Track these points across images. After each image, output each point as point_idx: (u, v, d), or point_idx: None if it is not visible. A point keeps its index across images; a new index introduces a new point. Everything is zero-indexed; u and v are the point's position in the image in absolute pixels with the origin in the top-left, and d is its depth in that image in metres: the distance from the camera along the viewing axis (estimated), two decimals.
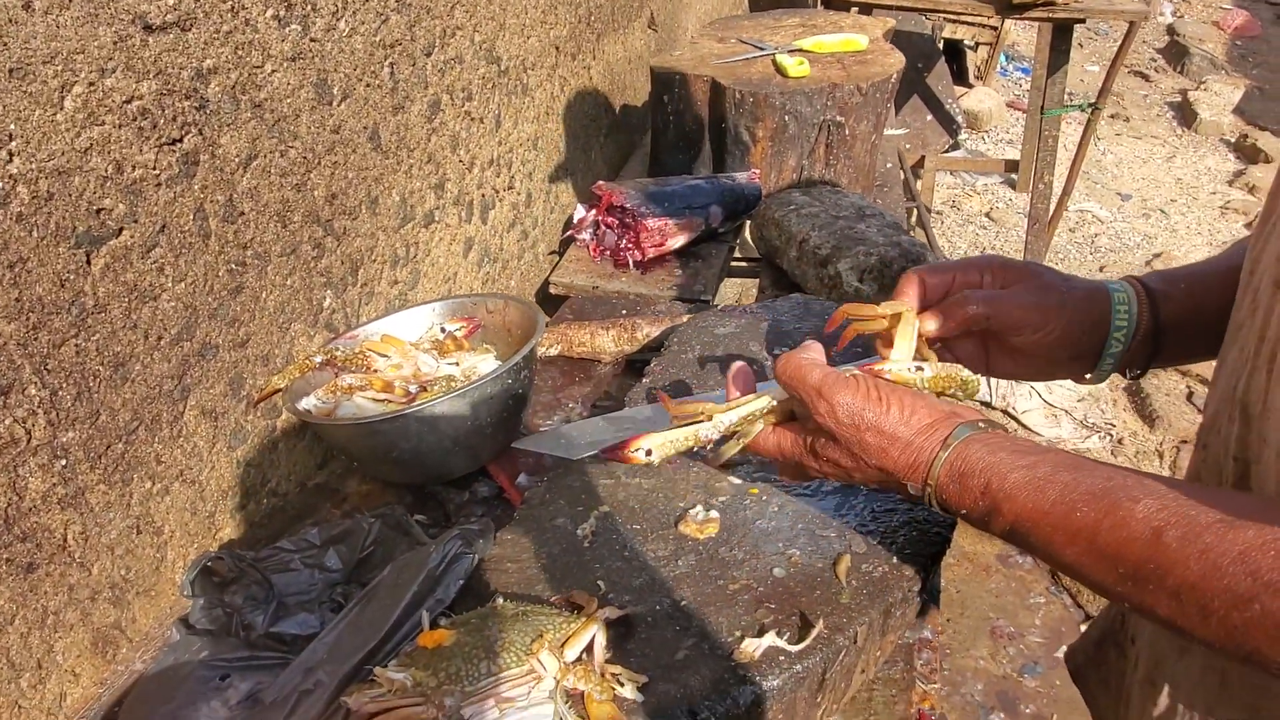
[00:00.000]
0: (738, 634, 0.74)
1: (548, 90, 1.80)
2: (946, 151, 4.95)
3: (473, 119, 1.51)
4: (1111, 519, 0.58)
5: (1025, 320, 0.78)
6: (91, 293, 0.87)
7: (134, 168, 0.90)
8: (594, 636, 0.71)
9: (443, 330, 1.22)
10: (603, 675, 0.69)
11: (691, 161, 1.96)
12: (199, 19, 0.94)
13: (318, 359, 1.12)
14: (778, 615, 0.76)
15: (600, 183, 1.75)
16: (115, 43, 0.85)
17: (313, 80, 1.12)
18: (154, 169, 0.92)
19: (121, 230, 0.89)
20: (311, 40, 1.11)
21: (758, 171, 1.83)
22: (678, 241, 1.70)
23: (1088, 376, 0.84)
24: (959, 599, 2.49)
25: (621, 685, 0.69)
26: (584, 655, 0.71)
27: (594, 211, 1.73)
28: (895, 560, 0.81)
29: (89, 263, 0.86)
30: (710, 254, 1.74)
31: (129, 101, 0.88)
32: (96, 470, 0.91)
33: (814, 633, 0.72)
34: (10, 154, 0.77)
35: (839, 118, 1.80)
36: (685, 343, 1.18)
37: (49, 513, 0.86)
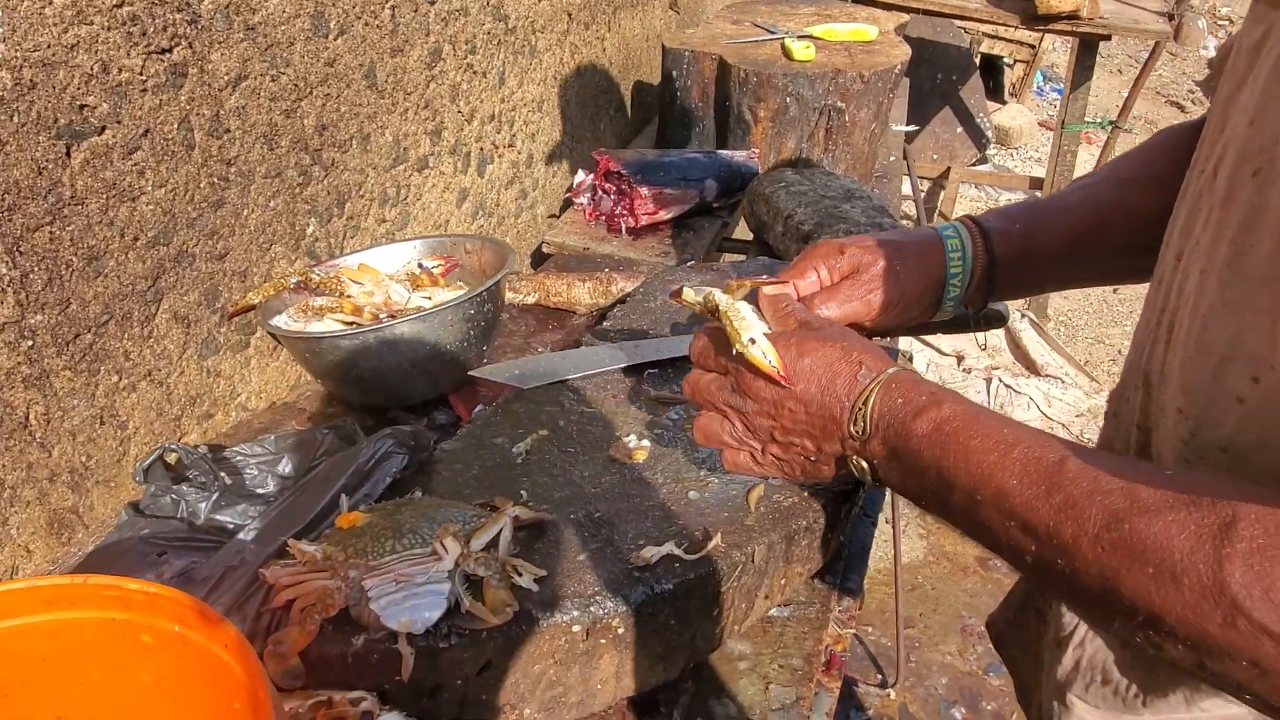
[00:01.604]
0: (641, 543, 0.77)
1: (556, 55, 1.83)
2: (973, 164, 4.94)
3: (475, 72, 1.55)
4: (1032, 439, 0.60)
5: (863, 315, 0.83)
6: (69, 184, 0.91)
7: (120, 70, 0.94)
8: (500, 531, 0.74)
9: (420, 266, 1.26)
10: (503, 565, 0.72)
11: (695, 138, 1.98)
12: None
13: (293, 280, 1.16)
14: (682, 530, 0.79)
15: (602, 149, 1.78)
16: None
17: (310, 11, 1.16)
18: (140, 74, 0.96)
19: (104, 129, 0.94)
20: None
21: (757, 151, 1.86)
22: (671, 212, 1.73)
23: (933, 319, 0.88)
24: (933, 596, 2.50)
25: (520, 575, 0.72)
26: (490, 549, 0.74)
27: (592, 176, 1.76)
28: (806, 494, 0.84)
29: (69, 155, 0.91)
30: (703, 227, 1.77)
31: (119, 6, 0.92)
32: (63, 356, 0.95)
33: (710, 545, 0.75)
34: None
35: (840, 103, 1.82)
36: (650, 293, 1.21)
37: (12, 389, 0.91)
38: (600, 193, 1.76)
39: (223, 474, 0.97)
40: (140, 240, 1.01)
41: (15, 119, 0.85)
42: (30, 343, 0.91)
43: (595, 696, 0.77)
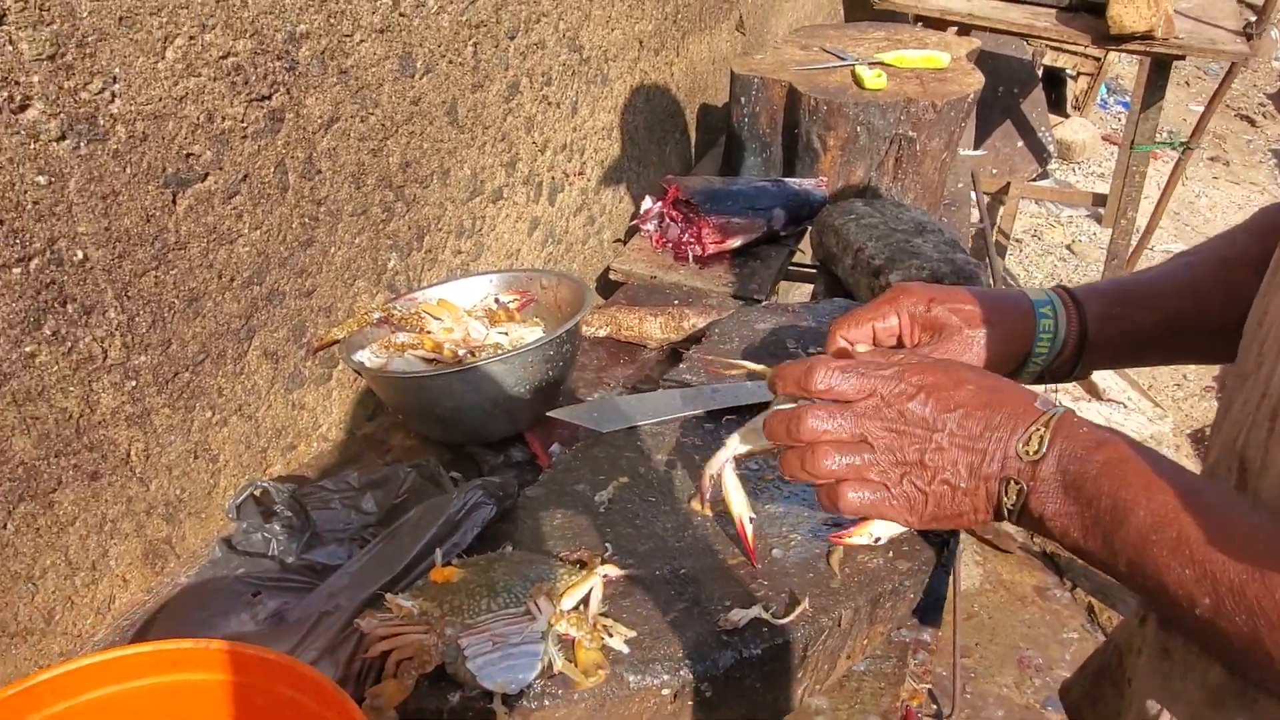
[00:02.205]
0: (728, 603, 0.77)
1: (627, 82, 1.85)
2: (1034, 179, 4.87)
3: (550, 103, 1.57)
4: (1218, 491, 0.61)
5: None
6: (174, 230, 0.95)
7: (224, 119, 0.97)
8: (591, 589, 0.76)
9: (496, 301, 1.28)
10: (594, 625, 0.73)
11: (762, 165, 1.99)
12: None
13: (376, 315, 1.19)
14: (769, 591, 0.79)
15: (669, 176, 1.79)
16: (217, 1, 0.93)
17: (398, 52, 1.19)
18: (242, 121, 0.99)
19: (207, 175, 0.97)
20: (400, 15, 1.18)
21: (825, 180, 1.85)
22: (738, 240, 1.73)
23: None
24: (990, 625, 2.47)
25: (610, 636, 0.73)
26: (580, 606, 0.75)
27: (660, 204, 1.77)
28: (890, 555, 0.84)
29: (174, 202, 0.94)
30: (769, 255, 1.77)
31: (225, 57, 0.95)
32: (163, 394, 0.98)
33: (799, 610, 0.76)
34: (113, 95, 0.85)
35: (911, 133, 1.81)
36: (725, 334, 1.21)
37: (116, 428, 0.94)
38: (668, 220, 1.76)
39: (311, 513, 0.99)
40: (236, 281, 1.04)
41: (128, 170, 0.88)
42: (134, 383, 0.95)
43: None
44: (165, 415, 0.99)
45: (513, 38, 1.42)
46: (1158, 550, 0.59)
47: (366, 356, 1.16)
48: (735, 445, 0.78)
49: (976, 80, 1.91)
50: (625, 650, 0.73)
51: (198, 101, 0.94)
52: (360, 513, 1.05)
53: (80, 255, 0.86)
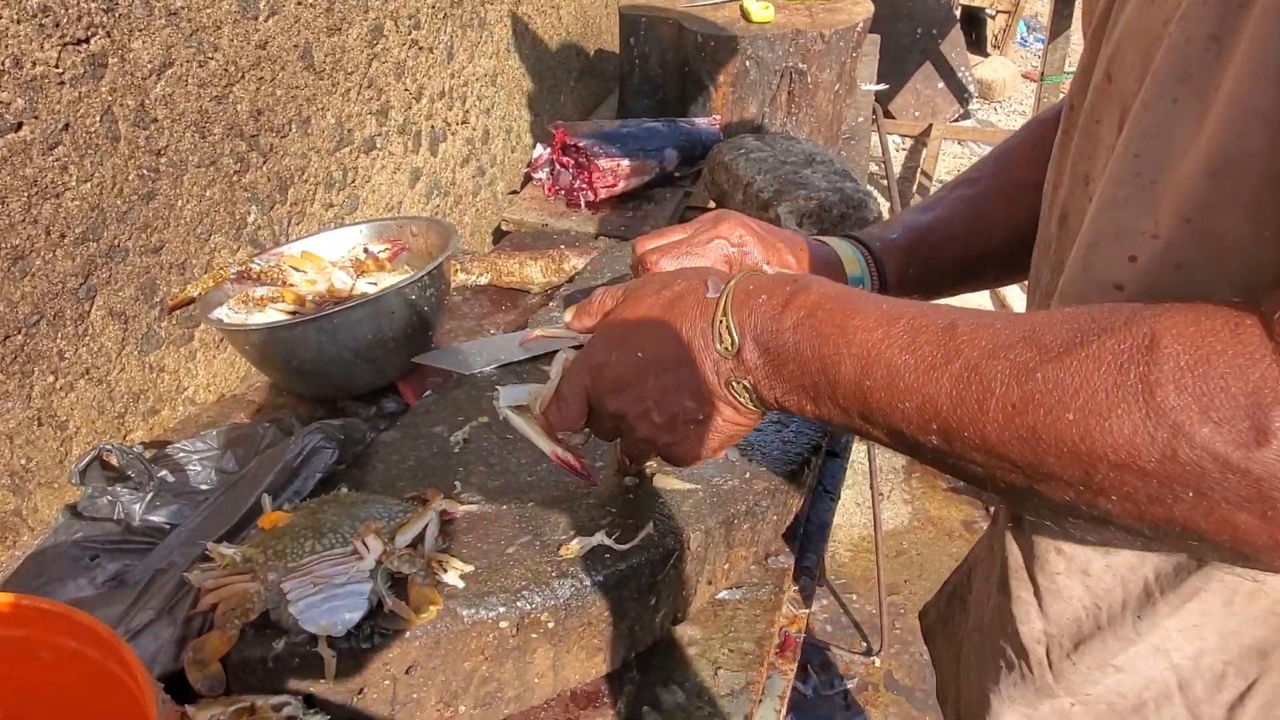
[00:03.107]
0: (571, 534, 0.76)
1: (508, 26, 1.79)
2: (956, 120, 4.90)
3: (421, 48, 1.52)
4: (916, 309, 0.56)
5: None
6: None
7: (34, 64, 0.91)
8: (427, 526, 0.73)
9: (366, 251, 1.24)
10: (429, 562, 0.71)
11: (657, 106, 1.95)
12: None
13: (233, 270, 1.14)
14: (616, 519, 0.77)
15: (558, 121, 1.75)
16: None
17: None
18: (56, 67, 0.94)
19: (20, 125, 0.91)
20: None
21: (718, 118, 1.82)
22: (631, 183, 1.70)
23: None
24: (918, 561, 2.50)
25: (445, 572, 0.71)
26: (416, 544, 0.73)
27: (549, 150, 1.73)
28: (747, 476, 0.83)
29: None
30: (664, 197, 1.75)
31: None
32: None
33: (641, 534, 0.74)
34: None
35: (801, 65, 1.79)
36: (598, 271, 1.19)
37: None
38: (558, 167, 1.73)
39: (163, 473, 0.95)
40: (67, 237, 0.98)
41: None
42: None
43: (533, 690, 0.76)
44: None
45: None
46: (875, 394, 0.55)
47: (224, 314, 1.11)
48: (507, 394, 0.75)
49: (865, 9, 1.89)
50: (460, 585, 0.70)
51: (3, 46, 0.88)
52: (222, 472, 1.01)
53: None
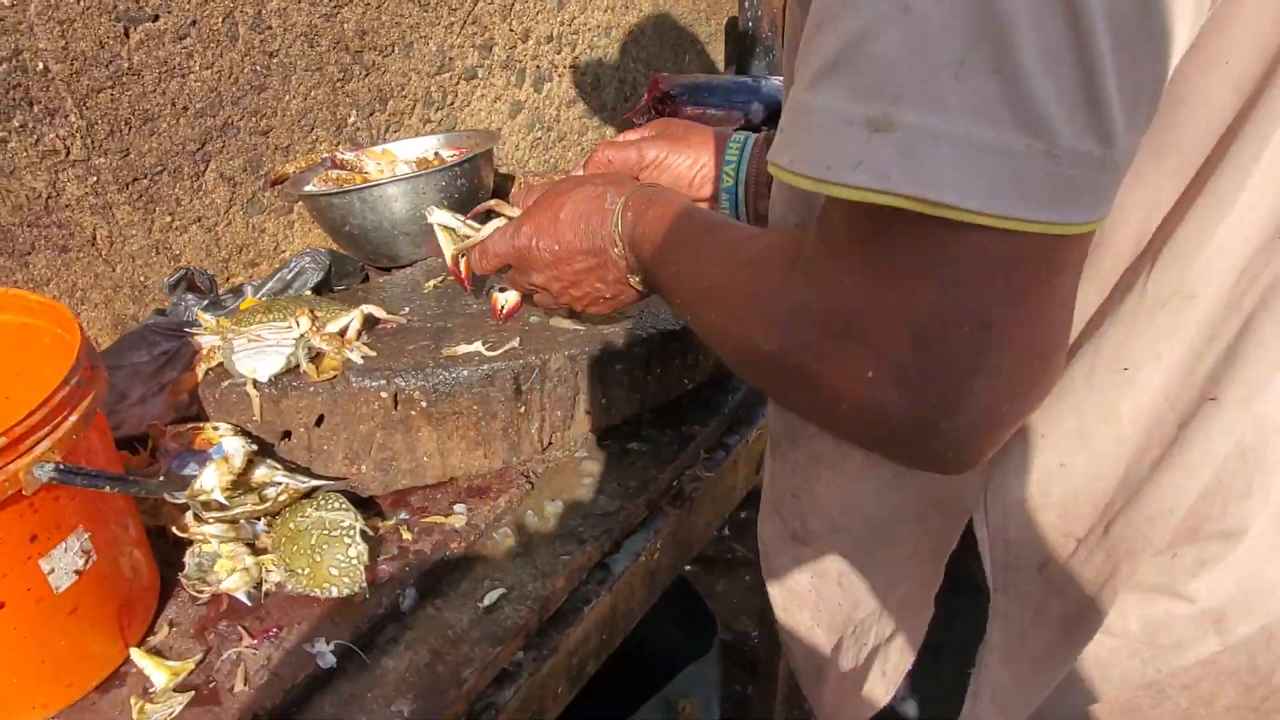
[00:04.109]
0: (459, 342, 0.94)
1: None
2: None
3: None
4: (696, 238, 0.69)
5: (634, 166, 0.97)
6: (127, 58, 1.20)
7: None
8: (352, 321, 0.94)
9: (436, 155, 1.48)
10: (342, 345, 0.92)
11: (766, 69, 2.08)
12: None
13: (323, 156, 1.42)
14: (501, 339, 0.95)
15: (660, 73, 1.93)
16: None
17: None
18: None
19: (157, 17, 1.21)
20: None
21: None
22: None
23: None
24: None
25: (353, 352, 0.91)
26: (342, 334, 0.94)
27: (646, 97, 1.91)
28: (631, 325, 0.98)
29: (127, 35, 1.19)
30: None
31: None
32: (123, 194, 1.24)
33: (506, 347, 0.91)
34: None
35: None
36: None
37: (81, 213, 1.21)
38: (652, 113, 1.90)
39: (220, 290, 1.23)
40: (190, 110, 1.28)
41: (81, 2, 1.13)
42: (95, 179, 1.21)
43: (424, 469, 0.96)
44: (126, 211, 1.25)
45: None
46: (665, 285, 0.69)
47: (309, 189, 1.38)
48: (439, 214, 0.93)
49: None
50: (359, 362, 0.91)
51: None
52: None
53: (41, 66, 1.12)
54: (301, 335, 0.91)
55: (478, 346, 0.92)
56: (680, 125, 0.99)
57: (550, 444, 1.00)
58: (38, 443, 0.68)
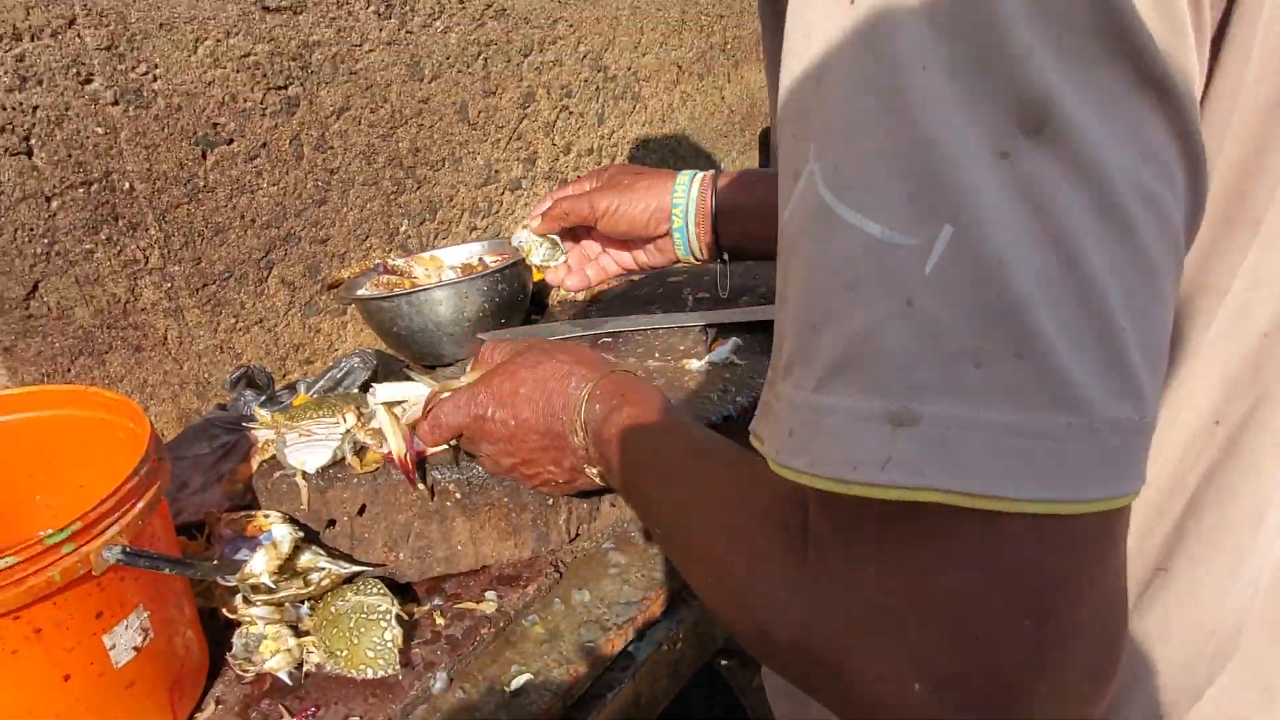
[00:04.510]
0: None
1: (664, 101, 2.11)
2: None
3: (571, 113, 1.87)
4: (669, 448, 0.68)
5: (586, 216, 1.09)
6: (203, 177, 1.32)
7: (245, 101, 1.34)
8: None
9: (480, 260, 1.58)
10: (384, 439, 0.99)
11: None
12: (308, 7, 1.38)
13: (376, 263, 1.52)
14: None
15: None
16: (240, 16, 1.30)
17: (406, 61, 1.53)
18: (261, 104, 1.36)
19: (231, 140, 1.34)
20: (408, 32, 1.52)
21: None
22: None
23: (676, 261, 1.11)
24: None
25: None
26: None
27: None
28: None
29: (204, 157, 1.32)
30: None
31: (245, 56, 1.33)
32: (194, 298, 1.36)
33: None
34: (155, 76, 1.24)
35: None
36: (640, 282, 1.44)
37: (155, 316, 1.32)
38: None
39: (281, 388, 1.32)
40: (257, 222, 1.40)
41: (165, 130, 1.27)
42: (170, 284, 1.32)
43: (458, 556, 1.02)
44: (195, 314, 1.36)
45: (526, 55, 1.74)
46: (634, 498, 0.70)
47: (362, 292, 1.49)
48: (383, 391, 0.98)
49: None
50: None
51: (223, 86, 1.31)
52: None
53: (128, 186, 1.25)
54: (347, 431, 0.98)
55: None
56: (628, 173, 1.10)
57: (577, 535, 1.05)
58: (108, 527, 0.75)
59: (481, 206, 1.74)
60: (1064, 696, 0.39)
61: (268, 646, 0.92)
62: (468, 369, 0.97)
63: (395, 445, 0.93)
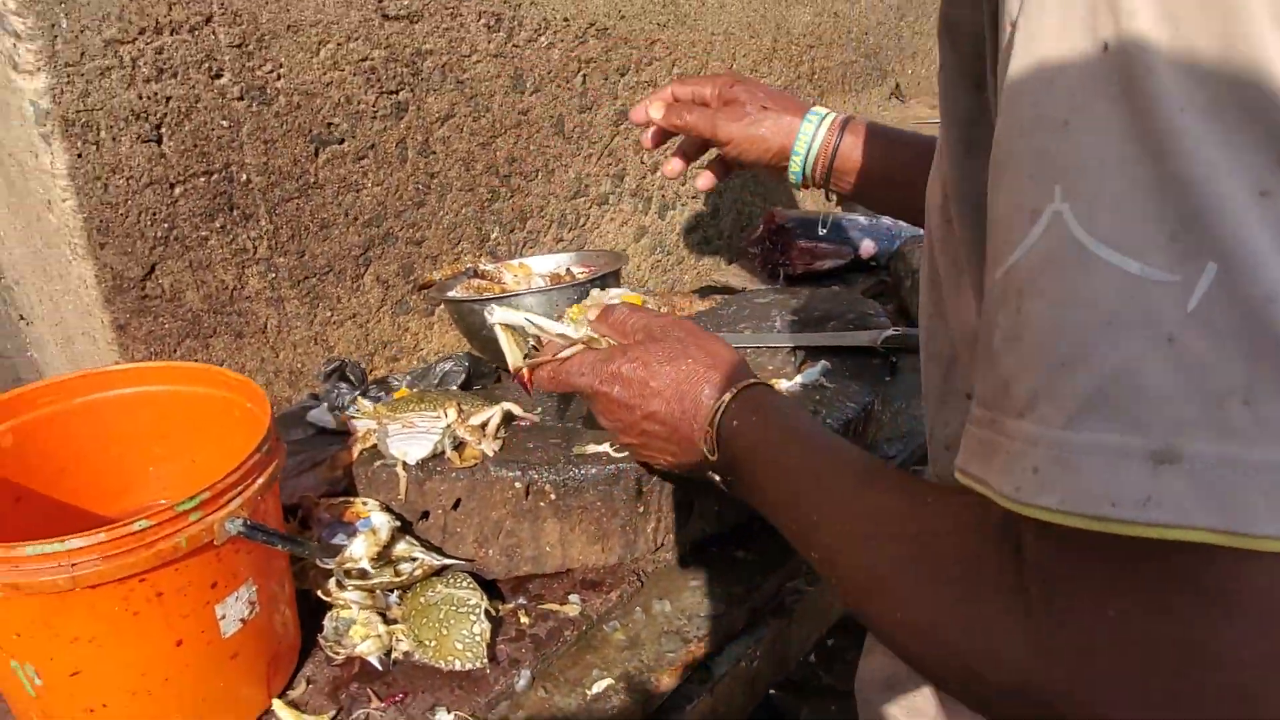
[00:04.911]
0: (589, 441, 1.03)
1: None
2: None
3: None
4: (833, 452, 0.68)
5: (707, 131, 1.19)
6: (314, 174, 1.37)
7: (359, 103, 1.39)
8: (494, 415, 1.04)
9: (568, 270, 1.60)
10: (483, 435, 1.01)
11: None
12: (424, 16, 1.43)
13: (467, 267, 1.56)
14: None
15: (776, 208, 2.04)
16: (361, 21, 1.35)
17: (509, 73, 1.57)
18: (374, 107, 1.41)
19: (343, 140, 1.39)
20: (514, 46, 1.56)
21: None
22: (826, 264, 1.94)
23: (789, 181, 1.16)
24: None
25: (482, 444, 1.01)
26: (483, 425, 1.04)
27: (762, 229, 2.03)
28: None
29: (316, 155, 1.36)
30: (855, 280, 1.96)
31: (363, 60, 1.37)
32: (295, 290, 1.40)
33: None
34: (279, 75, 1.29)
35: None
36: (730, 303, 1.45)
37: (258, 304, 1.36)
38: (767, 243, 2.01)
39: (373, 384, 1.36)
40: (359, 220, 1.44)
41: (284, 126, 1.31)
42: (274, 275, 1.37)
43: (545, 557, 1.03)
44: (295, 305, 1.40)
45: (623, 74, 1.77)
46: (779, 519, 0.69)
47: (453, 294, 1.52)
48: (501, 313, 1.00)
49: None
50: (491, 453, 1.00)
51: (340, 88, 1.36)
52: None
53: (245, 178, 1.29)
54: (449, 425, 1.01)
55: (606, 448, 1.00)
56: (754, 98, 1.14)
57: (663, 545, 1.06)
58: (231, 500, 0.78)
59: (569, 219, 1.76)
60: None
61: (358, 631, 0.94)
62: (578, 318, 0.98)
63: (513, 358, 0.98)
